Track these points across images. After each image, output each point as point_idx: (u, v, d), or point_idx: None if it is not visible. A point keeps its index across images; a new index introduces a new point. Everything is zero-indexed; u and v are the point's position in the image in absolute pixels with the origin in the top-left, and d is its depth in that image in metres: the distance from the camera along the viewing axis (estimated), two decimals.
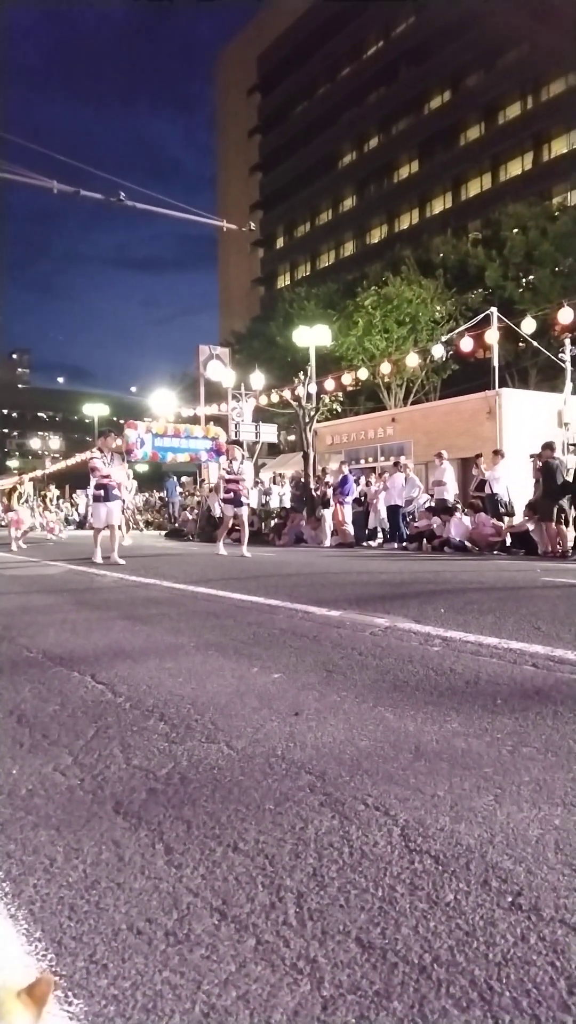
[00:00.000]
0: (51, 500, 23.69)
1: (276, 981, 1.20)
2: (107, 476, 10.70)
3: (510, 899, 1.42)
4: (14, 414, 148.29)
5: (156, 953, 1.28)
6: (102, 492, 10.76)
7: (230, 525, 12.98)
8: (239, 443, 12.88)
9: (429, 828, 1.73)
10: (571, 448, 16.29)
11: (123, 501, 12.65)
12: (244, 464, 12.54)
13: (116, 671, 3.48)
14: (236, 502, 12.23)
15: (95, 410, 57.65)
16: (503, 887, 1.46)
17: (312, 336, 23.55)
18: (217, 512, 21.27)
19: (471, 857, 1.58)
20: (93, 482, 11.35)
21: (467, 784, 1.99)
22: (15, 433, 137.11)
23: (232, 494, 12.20)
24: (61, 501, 30.70)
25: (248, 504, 13.46)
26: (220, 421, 30.06)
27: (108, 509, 10.79)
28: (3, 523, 18.19)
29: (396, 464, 16.63)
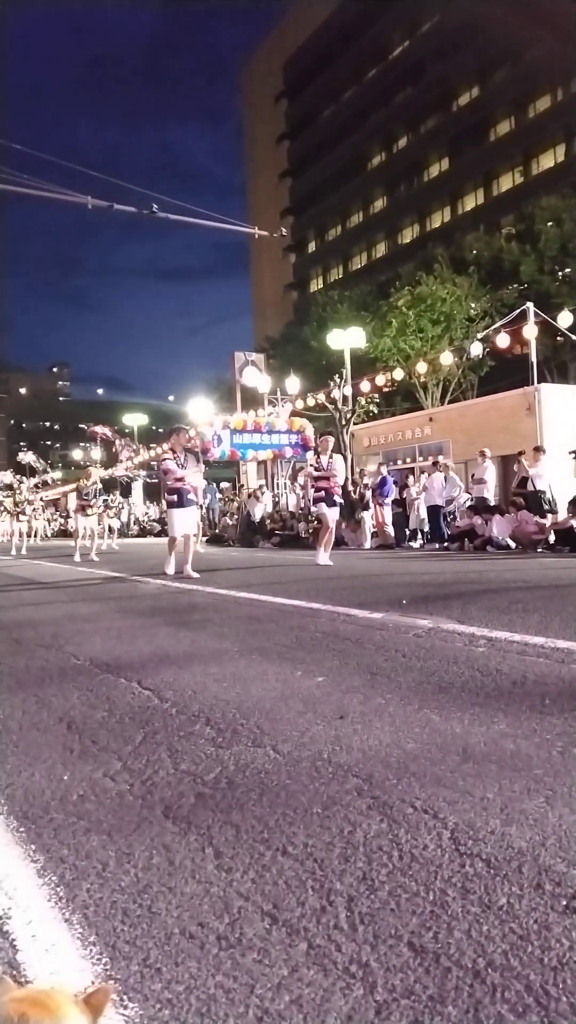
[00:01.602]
0: (115, 504, 22.85)
1: (329, 985, 1.19)
2: (181, 479, 9.53)
3: (564, 902, 1.39)
4: (56, 426, 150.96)
5: (209, 957, 1.29)
6: (176, 498, 9.64)
7: (329, 527, 10.99)
8: (331, 434, 11.12)
9: (479, 831, 1.71)
10: None
11: (201, 507, 11.42)
12: (335, 458, 11.00)
13: (162, 677, 3.51)
14: (329, 501, 10.76)
15: (134, 419, 58.35)
16: (557, 890, 1.44)
17: (346, 339, 23.52)
18: (257, 516, 21.41)
19: (523, 860, 1.56)
20: (163, 486, 10.70)
21: (517, 786, 1.96)
22: (57, 445, 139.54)
23: (323, 493, 10.75)
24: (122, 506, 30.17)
25: (341, 504, 12.06)
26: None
27: (184, 516, 9.64)
28: (69, 528, 16.75)
29: (435, 463, 16.51)
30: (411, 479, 17.31)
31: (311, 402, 25.16)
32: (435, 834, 1.70)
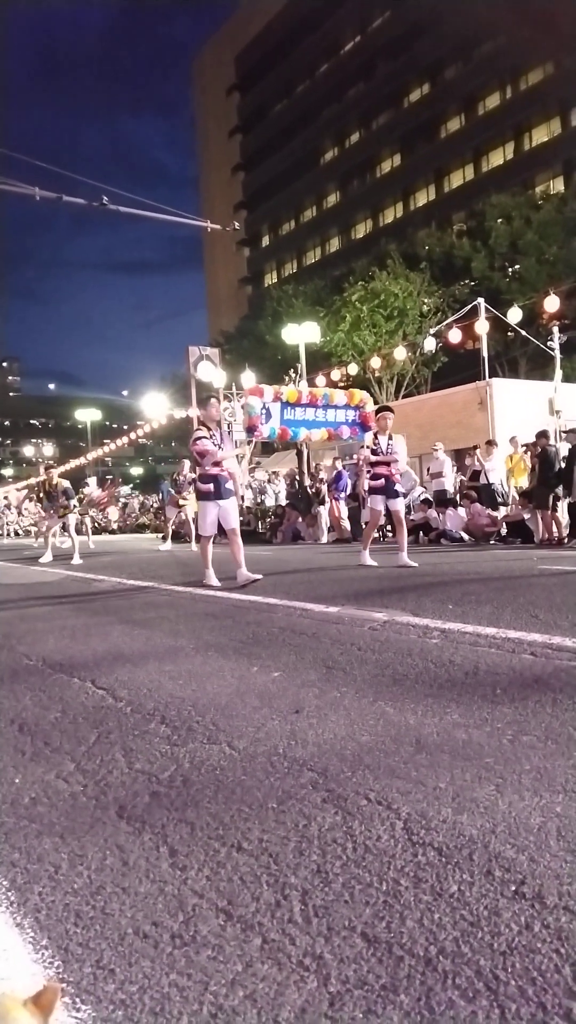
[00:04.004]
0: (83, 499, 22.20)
1: (283, 979, 1.20)
2: (219, 463, 7.37)
3: (513, 888, 1.42)
4: (6, 422, 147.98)
5: (163, 956, 1.28)
6: (212, 487, 7.36)
7: (378, 523, 9.13)
8: (390, 409, 9.24)
9: (432, 820, 1.73)
10: (563, 436, 16.31)
11: (242, 498, 9.23)
12: (396, 439, 9.01)
13: (116, 676, 3.48)
14: (388, 491, 8.73)
15: (87, 415, 57.59)
16: (506, 876, 1.47)
17: (301, 333, 23.53)
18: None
19: (474, 848, 1.59)
20: (194, 470, 8.78)
21: (468, 775, 1.99)
22: (8, 441, 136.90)
23: (382, 481, 8.72)
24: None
25: (405, 494, 10.21)
26: None
27: (222, 511, 7.44)
28: (33, 526, 15.69)
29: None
30: None
31: None
32: (388, 825, 1.72)
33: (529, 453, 13.44)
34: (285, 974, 1.21)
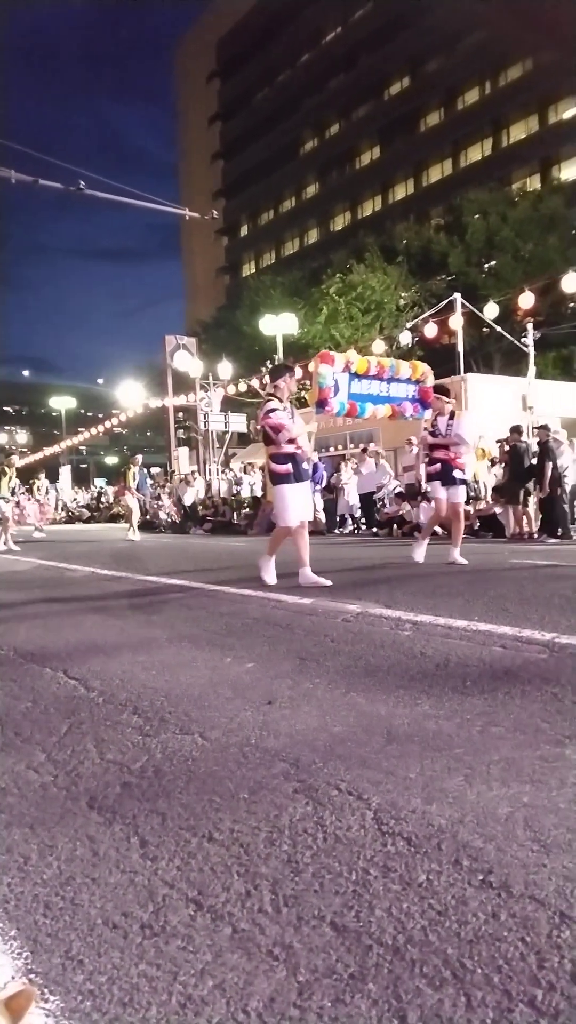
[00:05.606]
0: (39, 489, 21.70)
1: (252, 969, 1.21)
2: (294, 440, 6.40)
3: (481, 877, 1.44)
4: None
5: (132, 946, 1.28)
6: (290, 467, 6.35)
7: (443, 514, 8.11)
8: (445, 391, 8.24)
9: (401, 810, 1.75)
10: (535, 431, 16.50)
11: (314, 484, 7.31)
12: (458, 419, 7.96)
13: (89, 666, 3.46)
14: (446, 478, 7.82)
15: (62, 403, 56.96)
16: (474, 866, 1.49)
17: (278, 324, 23.50)
18: (189, 501, 21.13)
19: (443, 837, 1.61)
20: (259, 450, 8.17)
21: (438, 765, 2.01)
22: None
23: (438, 466, 7.86)
24: (49, 492, 28.80)
25: (468, 483, 9.36)
26: (189, 412, 29.44)
27: (302, 496, 6.53)
28: None
29: (364, 450, 16.70)
30: (342, 466, 17.47)
31: (243, 387, 25.09)
32: (359, 815, 1.74)
33: (499, 448, 13.57)
34: (254, 964, 1.22)
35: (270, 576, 6.35)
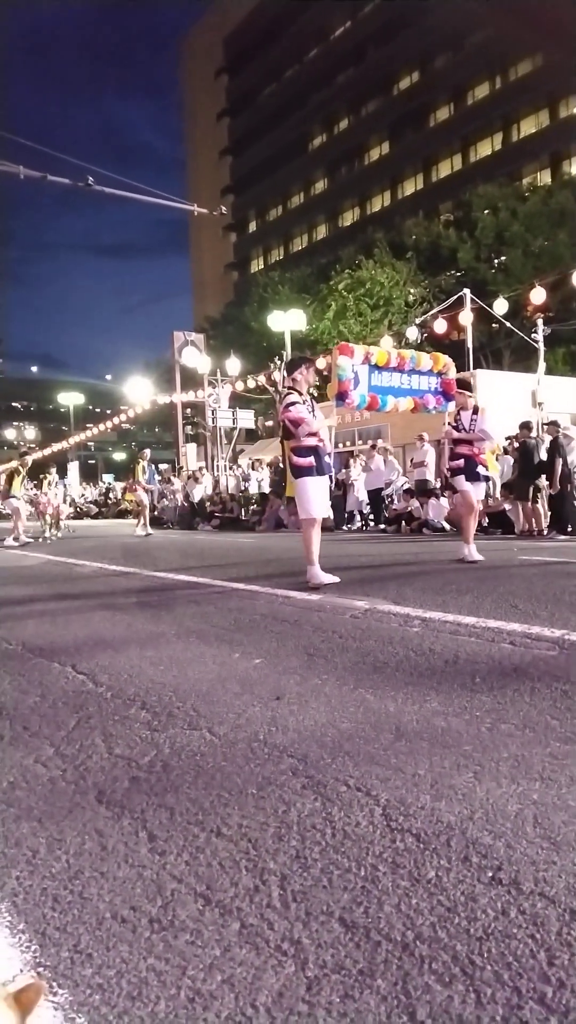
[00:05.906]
0: (51, 484, 21.39)
1: (261, 964, 1.20)
2: (316, 433, 6.21)
3: (490, 874, 1.43)
4: None
5: (140, 940, 1.28)
6: (312, 459, 6.12)
7: (473, 508, 7.86)
8: (467, 386, 8.13)
9: (410, 807, 1.74)
10: (545, 428, 16.44)
11: (331, 480, 7.39)
12: (481, 414, 7.73)
13: (97, 661, 3.46)
14: (469, 473, 7.63)
15: (70, 399, 57.07)
16: (483, 862, 1.48)
17: (286, 320, 23.45)
18: (197, 498, 21.17)
19: (452, 834, 1.60)
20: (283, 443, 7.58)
21: (447, 762, 2.00)
22: None
23: (461, 461, 7.64)
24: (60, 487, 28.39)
25: (491, 479, 9.02)
26: (197, 408, 29.39)
27: (323, 490, 6.32)
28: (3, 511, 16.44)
29: (373, 447, 16.66)
30: (351, 462, 17.45)
31: (251, 384, 25.08)
32: (367, 811, 1.73)
33: (508, 444, 13.51)
34: (263, 959, 1.22)
35: (326, 577, 5.96)
